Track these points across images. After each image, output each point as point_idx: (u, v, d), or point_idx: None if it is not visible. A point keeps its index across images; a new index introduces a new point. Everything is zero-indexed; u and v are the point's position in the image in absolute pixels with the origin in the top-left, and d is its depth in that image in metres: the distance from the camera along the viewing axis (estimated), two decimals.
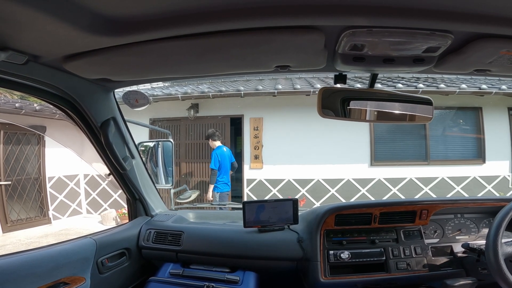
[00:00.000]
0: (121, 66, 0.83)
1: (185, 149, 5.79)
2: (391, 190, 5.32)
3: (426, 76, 5.82)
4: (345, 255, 1.17)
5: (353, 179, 5.38)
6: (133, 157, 1.29)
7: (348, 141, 5.31)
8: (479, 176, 5.23)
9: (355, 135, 5.30)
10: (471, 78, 5.45)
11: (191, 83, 6.55)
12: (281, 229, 1.27)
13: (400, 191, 5.30)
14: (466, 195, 5.06)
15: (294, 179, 5.44)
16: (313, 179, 5.41)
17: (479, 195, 5.01)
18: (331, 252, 1.18)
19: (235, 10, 0.57)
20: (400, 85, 5.06)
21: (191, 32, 0.65)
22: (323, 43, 0.70)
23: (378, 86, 5.13)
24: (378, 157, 5.37)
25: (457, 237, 1.26)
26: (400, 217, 1.24)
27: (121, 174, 1.28)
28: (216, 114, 5.70)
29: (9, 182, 5.02)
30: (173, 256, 1.28)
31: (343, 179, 5.38)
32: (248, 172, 5.53)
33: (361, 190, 5.36)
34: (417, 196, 5.07)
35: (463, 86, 4.89)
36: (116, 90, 1.15)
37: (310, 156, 5.36)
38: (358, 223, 1.24)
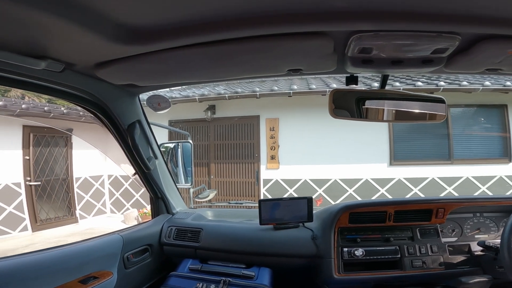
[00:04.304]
0: (145, 72, 0.90)
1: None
2: (412, 190, 5.18)
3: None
4: (359, 252, 1.18)
5: (371, 179, 5.29)
6: (156, 157, 1.37)
7: (366, 141, 5.23)
8: (505, 176, 4.98)
9: (373, 134, 5.20)
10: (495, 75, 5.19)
11: (207, 85, 6.68)
12: (295, 226, 1.30)
13: (422, 191, 5.15)
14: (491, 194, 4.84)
15: (310, 179, 5.42)
16: (330, 179, 5.37)
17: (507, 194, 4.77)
18: (345, 249, 1.20)
19: (248, 18, 0.61)
20: (420, 83, 4.92)
21: (208, 40, 0.70)
22: (332, 47, 0.73)
23: (396, 84, 5.01)
24: (397, 157, 5.24)
25: (476, 236, 1.25)
26: (416, 215, 1.24)
27: (145, 174, 1.36)
28: (232, 115, 5.78)
29: (39, 183, 5.28)
30: (192, 252, 1.34)
31: (361, 179, 5.30)
32: (265, 173, 5.57)
33: (380, 190, 5.25)
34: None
35: (487, 83, 4.68)
36: (140, 95, 1.23)
37: (327, 156, 5.32)
38: (372, 221, 1.25)
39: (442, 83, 4.84)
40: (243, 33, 0.67)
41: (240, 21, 0.62)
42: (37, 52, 0.71)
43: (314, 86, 5.18)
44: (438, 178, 5.13)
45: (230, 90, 5.67)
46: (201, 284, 1.16)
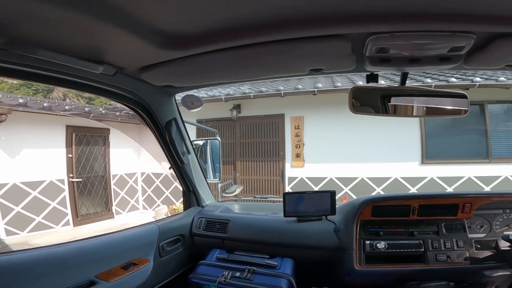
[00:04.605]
0: (182, 74, 1.01)
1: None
2: (446, 189, 4.93)
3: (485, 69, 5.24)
4: (381, 245, 1.20)
5: (401, 177, 5.11)
6: (189, 152, 1.49)
7: (396, 139, 5.06)
8: None
9: (403, 132, 5.03)
10: None
11: (233, 85, 6.83)
12: (318, 219, 1.34)
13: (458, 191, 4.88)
14: None
15: (336, 177, 5.36)
16: (356, 178, 5.28)
17: None
18: (367, 242, 1.22)
19: (273, 24, 0.69)
20: (453, 79, 4.66)
21: (238, 44, 0.79)
22: (350, 48, 0.78)
23: (427, 80, 4.79)
24: (430, 155, 5.02)
25: (505, 233, 1.21)
26: (441, 210, 1.23)
27: (179, 168, 1.48)
28: (257, 114, 5.87)
29: (80, 179, 5.67)
30: (219, 243, 1.43)
31: (390, 177, 5.15)
32: (290, 171, 5.60)
33: (410, 189, 5.07)
34: None
35: None
36: (175, 95, 1.35)
37: (354, 154, 5.23)
38: (396, 215, 1.25)
39: (478, 78, 4.56)
40: (269, 37, 0.75)
41: (266, 27, 0.70)
42: (96, 57, 0.84)
43: (339, 84, 5.11)
44: (475, 177, 4.84)
45: (255, 89, 5.76)
46: (227, 272, 1.25)
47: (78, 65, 0.82)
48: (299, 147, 5.55)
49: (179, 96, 1.33)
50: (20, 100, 4.69)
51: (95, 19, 0.62)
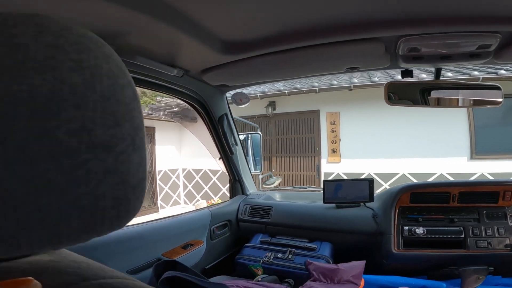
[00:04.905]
0: (235, 75, 1.17)
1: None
2: None
3: None
4: (420, 230, 1.23)
5: (447, 173, 4.84)
6: (237, 144, 1.66)
7: (440, 132, 4.80)
8: None
9: (448, 125, 4.75)
10: None
11: (268, 82, 6.94)
12: (357, 206, 1.41)
13: None
14: None
15: (375, 173, 5.24)
16: (397, 173, 5.10)
17: None
18: (405, 227, 1.25)
19: (315, 31, 0.81)
20: (476, 73, 4.31)
21: (285, 48, 0.92)
22: (384, 49, 0.86)
23: (448, 74, 4.48)
24: (480, 149, 4.69)
25: None
26: (482, 197, 1.23)
27: (228, 158, 1.65)
28: (292, 111, 5.94)
29: None
30: (263, 228, 1.55)
31: (435, 173, 4.90)
32: (326, 166, 5.60)
33: None
34: None
35: None
36: (226, 93, 1.53)
37: (394, 149, 5.06)
38: (435, 202, 1.27)
39: (502, 71, 4.17)
40: (311, 42, 0.87)
41: (309, 33, 0.82)
42: (172, 62, 1.03)
43: (376, 79, 4.97)
44: None
45: (289, 86, 5.82)
46: (270, 253, 1.37)
47: (159, 68, 1.01)
48: (335, 143, 5.52)
49: (229, 94, 1.51)
50: None
51: (175, 29, 0.77)
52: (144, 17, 0.67)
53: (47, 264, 0.23)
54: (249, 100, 1.49)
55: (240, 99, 1.48)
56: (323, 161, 5.64)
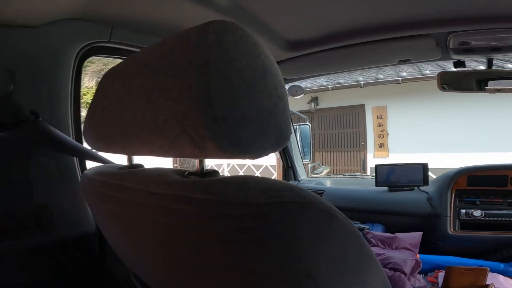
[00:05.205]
0: (294, 69, 1.31)
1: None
2: None
3: None
4: (477, 213, 1.23)
5: None
6: (291, 132, 1.80)
7: (500, 127, 4.40)
8: None
9: (508, 119, 4.33)
10: None
11: (310, 78, 6.97)
12: (410, 189, 1.44)
13: None
14: None
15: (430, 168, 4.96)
16: (452, 168, 4.78)
17: None
18: (463, 210, 1.26)
19: (368, 29, 0.92)
20: None
21: (340, 45, 1.03)
22: (435, 43, 0.94)
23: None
24: None
25: None
26: None
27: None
28: (335, 106, 5.90)
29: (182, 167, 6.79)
30: None
31: None
32: (372, 161, 5.46)
33: None
34: None
35: None
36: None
37: (447, 144, 4.76)
38: (493, 185, 1.26)
39: None
40: (364, 39, 0.97)
41: (364, 31, 0.93)
42: None
43: (428, 72, 4.71)
44: None
45: (333, 81, 5.78)
46: None
47: None
48: (382, 137, 5.36)
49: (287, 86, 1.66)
50: None
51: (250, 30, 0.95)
52: (214, 15, 0.78)
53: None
54: (304, 92, 1.62)
55: (295, 91, 1.61)
56: (369, 156, 5.51)
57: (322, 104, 6.07)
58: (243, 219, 0.25)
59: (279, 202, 0.25)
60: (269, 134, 0.29)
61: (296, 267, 0.23)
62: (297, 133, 2.27)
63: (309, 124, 2.17)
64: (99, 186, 0.46)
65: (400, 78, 4.83)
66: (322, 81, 6.11)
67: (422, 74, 4.71)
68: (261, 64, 0.29)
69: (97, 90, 0.47)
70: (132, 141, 0.37)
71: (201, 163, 0.36)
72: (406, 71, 5.12)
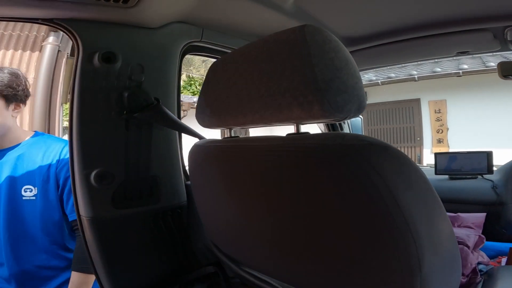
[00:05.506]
0: None
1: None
2: None
3: None
4: None
5: None
6: (344, 123, 1.86)
7: None
8: None
9: None
10: None
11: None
12: (473, 177, 1.40)
13: None
14: None
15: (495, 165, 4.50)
16: None
17: None
18: None
19: (424, 25, 0.96)
20: None
21: (396, 40, 1.07)
22: (492, 36, 0.94)
23: None
24: None
25: None
26: None
27: None
28: (387, 100, 5.65)
29: None
30: None
31: None
32: (430, 157, 5.11)
33: None
34: None
35: None
36: None
37: None
38: None
39: None
40: (421, 34, 1.01)
41: (419, 27, 0.97)
42: None
43: (492, 64, 4.27)
44: None
45: (383, 75, 5.55)
46: None
47: None
48: (441, 132, 5.00)
49: None
50: (194, 99, 6.38)
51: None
52: (282, 18, 0.87)
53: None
54: None
55: None
56: (427, 152, 5.17)
57: (372, 99, 5.86)
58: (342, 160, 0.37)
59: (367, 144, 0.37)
60: (354, 102, 0.40)
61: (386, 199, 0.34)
62: (348, 125, 2.30)
63: (361, 116, 2.18)
64: (214, 150, 0.61)
65: (461, 71, 4.46)
66: (370, 75, 5.90)
67: (487, 66, 4.29)
68: (344, 55, 0.41)
69: (207, 77, 0.59)
70: (245, 112, 0.49)
71: (298, 126, 0.48)
72: (467, 63, 4.70)
